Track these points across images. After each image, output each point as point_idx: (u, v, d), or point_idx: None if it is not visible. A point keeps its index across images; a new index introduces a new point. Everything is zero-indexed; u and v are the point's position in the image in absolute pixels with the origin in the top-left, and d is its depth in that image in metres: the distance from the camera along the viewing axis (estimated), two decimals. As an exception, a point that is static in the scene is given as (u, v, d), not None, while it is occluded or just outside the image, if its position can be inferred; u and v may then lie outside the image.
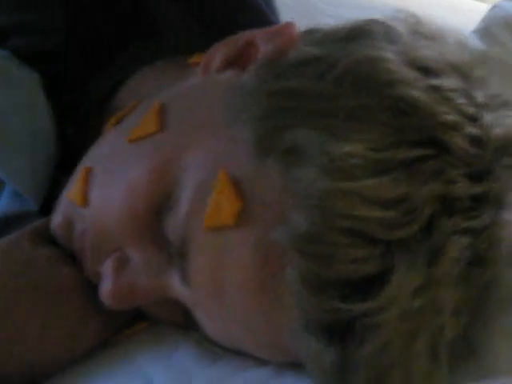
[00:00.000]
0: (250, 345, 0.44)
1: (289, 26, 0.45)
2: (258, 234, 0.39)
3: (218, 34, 0.49)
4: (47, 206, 0.53)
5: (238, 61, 0.46)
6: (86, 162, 0.49)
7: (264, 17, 0.59)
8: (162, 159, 0.43)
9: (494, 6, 0.64)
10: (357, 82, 0.40)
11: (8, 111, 0.54)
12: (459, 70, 0.43)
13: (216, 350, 0.47)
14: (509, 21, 0.61)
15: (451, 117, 0.39)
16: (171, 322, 0.48)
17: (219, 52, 0.47)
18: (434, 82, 0.41)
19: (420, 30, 0.45)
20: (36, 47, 0.56)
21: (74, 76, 0.56)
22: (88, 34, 0.55)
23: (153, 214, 0.43)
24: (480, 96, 0.42)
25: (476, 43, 0.60)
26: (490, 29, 0.61)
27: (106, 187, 0.46)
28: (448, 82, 0.41)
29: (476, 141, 0.40)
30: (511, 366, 0.44)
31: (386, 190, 0.37)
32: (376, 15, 0.46)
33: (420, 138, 0.39)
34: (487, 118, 0.42)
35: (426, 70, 0.41)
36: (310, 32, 0.47)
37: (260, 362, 0.45)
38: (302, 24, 0.47)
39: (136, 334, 0.49)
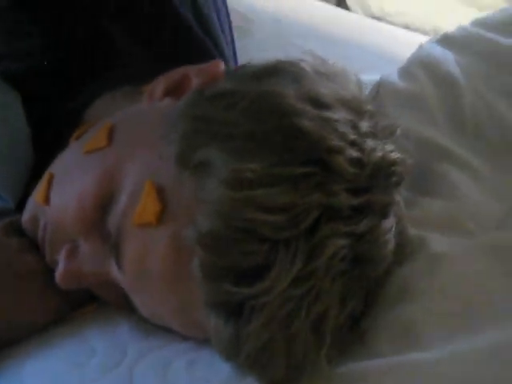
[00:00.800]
0: (172, 323, 0.54)
1: (216, 64, 0.56)
2: (174, 231, 0.49)
3: (167, 66, 0.60)
4: (23, 204, 0.63)
5: (175, 91, 0.57)
6: (51, 168, 0.60)
7: (207, 54, 0.69)
8: (107, 168, 0.54)
9: (419, 47, 0.74)
10: (259, 112, 0.50)
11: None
12: (349, 105, 0.53)
13: (149, 327, 0.57)
14: (424, 60, 0.71)
15: (334, 142, 0.49)
16: (116, 303, 0.58)
17: (161, 83, 0.57)
18: (324, 113, 0.51)
19: (322, 71, 0.55)
20: (18, 70, 0.67)
21: (49, 96, 0.67)
22: (62, 64, 0.66)
23: (98, 213, 0.53)
24: (365, 126, 0.52)
25: (394, 79, 0.70)
26: (409, 67, 0.71)
27: (63, 190, 0.57)
28: (336, 114, 0.51)
29: (356, 162, 0.50)
30: (391, 350, 0.53)
31: (274, 198, 0.47)
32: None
33: (307, 158, 0.49)
34: (369, 144, 0.51)
35: (318, 104, 0.51)
36: (239, 68, 0.58)
37: (184, 337, 0.56)
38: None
39: (88, 313, 0.60)
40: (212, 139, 0.50)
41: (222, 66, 0.56)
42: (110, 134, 0.56)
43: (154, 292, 0.52)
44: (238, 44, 0.99)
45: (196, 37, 0.69)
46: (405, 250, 0.56)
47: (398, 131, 0.55)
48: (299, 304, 0.48)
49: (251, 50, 1.02)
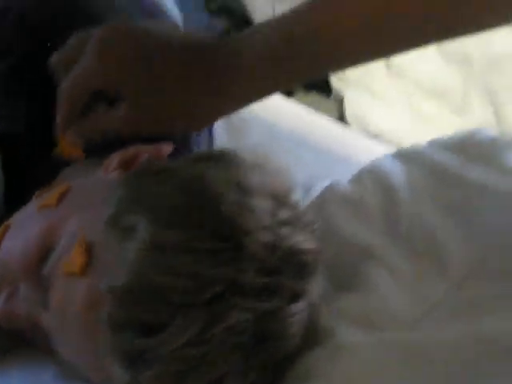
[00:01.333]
0: (87, 369, 0.59)
1: (164, 146, 0.64)
2: (93, 282, 0.55)
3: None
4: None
5: (126, 165, 0.64)
6: (8, 221, 0.67)
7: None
8: (50, 223, 0.61)
9: (375, 158, 0.81)
10: (187, 190, 0.57)
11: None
12: (273, 195, 0.59)
13: (72, 374, 0.62)
14: (374, 170, 0.77)
15: (248, 225, 0.55)
16: (44, 347, 0.63)
17: (116, 158, 0.65)
18: (245, 199, 0.57)
19: (261, 163, 0.62)
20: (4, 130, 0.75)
21: (28, 155, 0.75)
22: (42, 130, 0.74)
23: (37, 261, 0.60)
24: (284, 215, 0.58)
25: (344, 184, 0.77)
26: (359, 175, 0.78)
27: (13, 239, 0.64)
28: (256, 201, 0.57)
29: (268, 245, 0.56)
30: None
31: (185, 266, 0.53)
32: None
33: (222, 235, 0.55)
34: (284, 231, 0.57)
35: (243, 191, 0.57)
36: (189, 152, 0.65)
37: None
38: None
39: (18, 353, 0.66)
40: (141, 208, 0.56)
41: (169, 148, 0.64)
42: (62, 196, 0.63)
43: (72, 337, 0.57)
44: (232, 144, 1.07)
45: None
46: (315, 335, 0.61)
47: (317, 225, 0.61)
48: (193, 365, 0.52)
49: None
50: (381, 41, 0.55)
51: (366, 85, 1.72)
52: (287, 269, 0.57)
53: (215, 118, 0.63)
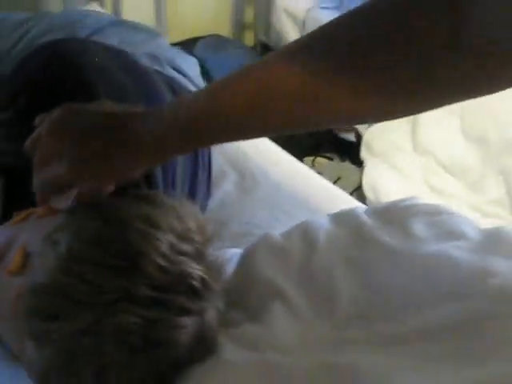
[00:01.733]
0: (12, 343, 0.77)
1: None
2: (25, 280, 0.72)
3: None
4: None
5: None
6: None
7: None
8: (10, 237, 0.78)
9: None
10: (106, 219, 0.73)
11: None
12: (178, 233, 0.73)
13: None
14: (304, 225, 0.90)
15: (147, 250, 0.70)
16: None
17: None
18: (151, 231, 0.71)
19: (178, 208, 0.77)
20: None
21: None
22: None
23: None
24: (184, 249, 0.72)
25: (276, 235, 0.90)
26: (292, 229, 0.91)
27: None
28: (160, 235, 0.72)
29: (161, 268, 0.70)
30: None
31: (88, 274, 0.68)
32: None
33: (123, 256, 0.70)
34: (180, 259, 0.71)
35: (152, 225, 0.72)
36: None
37: None
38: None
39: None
40: (68, 229, 0.73)
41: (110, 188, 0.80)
42: (22, 219, 0.81)
43: (5, 321, 0.74)
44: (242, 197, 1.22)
45: None
46: (203, 351, 0.74)
47: (220, 262, 0.76)
48: (82, 350, 0.67)
49: (248, 205, 1.25)
50: (260, 119, 0.67)
51: (390, 158, 1.83)
52: (177, 289, 0.71)
53: (130, 174, 0.76)
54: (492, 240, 0.79)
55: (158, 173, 0.92)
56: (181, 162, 1.00)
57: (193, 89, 1.22)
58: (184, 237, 0.74)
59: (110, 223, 0.73)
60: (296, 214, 1.20)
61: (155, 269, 0.70)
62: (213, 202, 1.21)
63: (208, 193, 1.16)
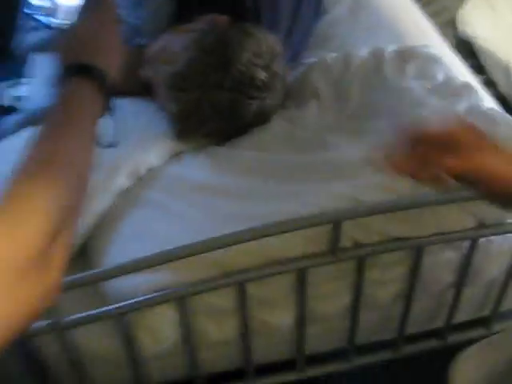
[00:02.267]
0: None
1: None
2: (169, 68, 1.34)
3: None
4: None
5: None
6: None
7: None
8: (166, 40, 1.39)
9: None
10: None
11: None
12: (255, 52, 1.30)
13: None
14: (348, 53, 1.42)
15: (235, 61, 1.28)
16: None
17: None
18: (239, 51, 1.29)
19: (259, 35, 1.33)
20: None
21: None
22: None
23: None
24: (258, 61, 1.29)
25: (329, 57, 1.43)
26: (339, 55, 1.43)
27: None
28: (245, 53, 1.29)
29: (241, 72, 1.28)
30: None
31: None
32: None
33: (221, 62, 1.29)
34: (255, 68, 1.29)
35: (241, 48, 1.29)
36: None
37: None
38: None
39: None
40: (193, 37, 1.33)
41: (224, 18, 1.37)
42: (177, 30, 1.42)
43: None
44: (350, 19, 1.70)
45: None
46: (260, 120, 1.34)
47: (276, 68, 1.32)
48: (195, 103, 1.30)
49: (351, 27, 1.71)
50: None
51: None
52: (249, 84, 1.29)
53: None
54: (448, 84, 1.26)
55: (264, 6, 1.45)
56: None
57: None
58: (258, 54, 1.30)
59: (218, 41, 1.30)
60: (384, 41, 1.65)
61: (237, 71, 1.28)
62: (324, 21, 1.70)
63: (315, 17, 1.66)
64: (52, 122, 0.70)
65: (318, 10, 1.69)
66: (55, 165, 0.64)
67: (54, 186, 0.62)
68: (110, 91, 0.76)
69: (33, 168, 0.64)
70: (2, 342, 0.57)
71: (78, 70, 0.75)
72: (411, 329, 1.29)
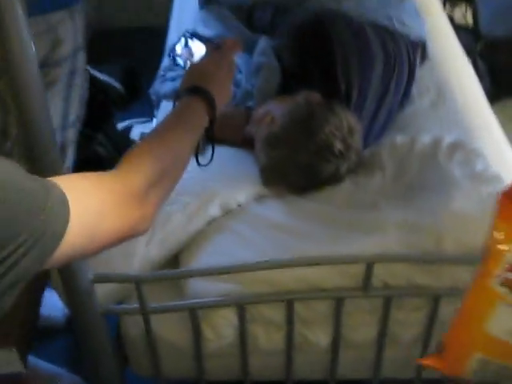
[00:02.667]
0: None
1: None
2: (268, 128, 1.69)
3: None
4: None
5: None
6: None
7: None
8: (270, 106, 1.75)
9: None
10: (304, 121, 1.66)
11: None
12: (337, 126, 1.63)
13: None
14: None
15: (319, 132, 1.61)
16: None
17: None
18: (325, 124, 1.62)
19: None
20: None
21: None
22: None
23: None
24: (337, 133, 1.62)
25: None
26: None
27: None
28: (328, 127, 1.61)
29: (323, 141, 1.60)
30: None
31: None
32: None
33: (310, 132, 1.62)
34: (334, 138, 1.61)
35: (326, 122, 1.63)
36: None
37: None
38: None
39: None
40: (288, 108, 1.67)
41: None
42: (279, 99, 1.78)
43: None
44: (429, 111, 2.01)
45: None
46: (332, 181, 1.64)
47: (351, 142, 1.63)
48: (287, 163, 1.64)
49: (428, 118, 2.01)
50: None
51: None
52: (328, 151, 1.61)
53: None
54: (482, 174, 1.53)
55: (354, 91, 1.77)
56: (374, 86, 1.82)
57: (410, 33, 1.98)
58: (338, 128, 1.62)
59: (309, 113, 1.63)
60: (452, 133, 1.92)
61: (320, 140, 1.60)
62: (408, 110, 2.00)
63: (401, 106, 1.96)
64: (168, 120, 1.05)
65: (405, 100, 2.00)
66: (163, 143, 0.99)
67: (158, 155, 0.96)
68: (214, 116, 1.09)
69: (149, 140, 0.99)
70: (107, 246, 0.88)
71: (193, 91, 1.09)
72: (428, 373, 1.53)
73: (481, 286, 0.88)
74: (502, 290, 0.85)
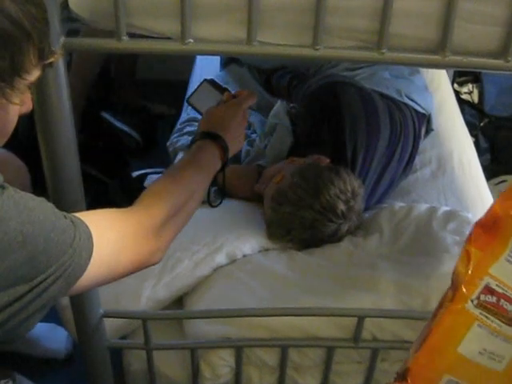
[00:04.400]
0: None
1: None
2: (277, 186, 1.81)
3: None
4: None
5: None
6: None
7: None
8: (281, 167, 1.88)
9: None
10: (311, 188, 1.79)
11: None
12: (341, 189, 1.75)
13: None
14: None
15: (325, 193, 1.74)
16: None
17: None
18: (329, 186, 1.75)
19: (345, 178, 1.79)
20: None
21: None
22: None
23: None
24: (341, 196, 1.74)
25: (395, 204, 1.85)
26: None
27: None
28: (332, 189, 1.74)
29: (328, 203, 1.72)
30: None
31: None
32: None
33: (313, 194, 1.74)
34: (338, 200, 1.74)
35: (331, 183, 1.76)
36: None
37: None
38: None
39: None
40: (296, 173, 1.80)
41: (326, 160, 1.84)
42: (290, 160, 1.92)
43: None
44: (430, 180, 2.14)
45: None
46: (334, 239, 1.76)
47: (354, 204, 1.75)
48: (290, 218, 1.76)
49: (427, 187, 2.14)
50: None
51: None
52: (331, 212, 1.72)
53: None
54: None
55: (360, 157, 1.90)
56: (379, 154, 1.95)
57: (418, 108, 2.12)
58: (342, 191, 1.74)
59: (316, 175, 1.75)
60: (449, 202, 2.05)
61: (325, 200, 1.72)
62: (410, 178, 2.13)
63: (403, 174, 2.08)
64: (183, 160, 1.17)
65: (407, 169, 2.12)
66: (178, 181, 1.10)
67: (173, 192, 1.06)
68: (227, 160, 1.21)
69: (165, 179, 1.10)
70: (123, 275, 0.99)
71: (208, 135, 1.20)
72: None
73: (455, 309, 0.96)
74: (478, 312, 0.94)
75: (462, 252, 0.96)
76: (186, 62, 2.79)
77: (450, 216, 1.77)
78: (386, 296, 1.51)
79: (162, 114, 3.22)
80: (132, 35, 1.01)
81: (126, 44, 1.01)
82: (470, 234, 0.96)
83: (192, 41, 1.00)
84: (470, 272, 0.94)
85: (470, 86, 3.23)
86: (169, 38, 1.02)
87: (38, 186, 1.16)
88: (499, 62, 0.97)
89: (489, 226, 0.93)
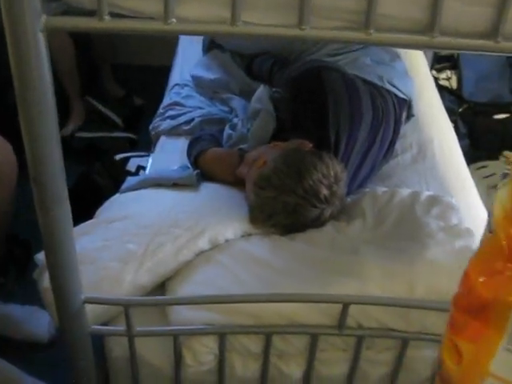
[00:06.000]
0: None
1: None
2: (260, 170, 1.80)
3: None
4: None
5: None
6: None
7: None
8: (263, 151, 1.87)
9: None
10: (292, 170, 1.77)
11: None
12: (324, 174, 1.74)
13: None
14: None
15: (307, 178, 1.72)
16: None
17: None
18: (312, 171, 1.73)
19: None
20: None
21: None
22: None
23: None
24: (324, 181, 1.73)
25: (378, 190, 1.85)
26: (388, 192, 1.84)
27: None
28: (315, 173, 1.73)
29: (310, 187, 1.71)
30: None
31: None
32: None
33: (297, 178, 1.73)
34: (320, 185, 1.72)
35: (314, 168, 1.74)
36: None
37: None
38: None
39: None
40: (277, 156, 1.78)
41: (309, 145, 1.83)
42: (272, 145, 1.90)
43: None
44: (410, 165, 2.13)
45: None
46: (316, 224, 1.75)
47: (337, 189, 1.74)
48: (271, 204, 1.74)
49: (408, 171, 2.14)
50: None
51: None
52: (314, 196, 1.71)
53: None
54: (456, 227, 1.65)
55: (343, 142, 1.89)
56: (362, 138, 1.94)
57: (399, 94, 2.11)
58: (325, 176, 1.73)
59: (299, 160, 1.74)
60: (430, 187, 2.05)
61: (308, 185, 1.70)
62: (391, 163, 2.13)
63: (385, 159, 2.08)
64: None
65: (388, 154, 2.12)
66: None
67: None
68: None
69: None
70: None
71: None
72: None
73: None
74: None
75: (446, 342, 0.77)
76: (169, 47, 2.77)
77: (433, 201, 1.76)
78: (370, 281, 1.50)
79: (142, 105, 3.25)
80: (114, 15, 0.99)
81: (107, 23, 0.98)
82: (452, 321, 0.76)
83: (175, 21, 0.97)
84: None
85: (448, 72, 3.24)
86: (152, 19, 0.99)
87: (25, 167, 1.13)
88: (489, 43, 0.95)
89: (475, 311, 0.73)
